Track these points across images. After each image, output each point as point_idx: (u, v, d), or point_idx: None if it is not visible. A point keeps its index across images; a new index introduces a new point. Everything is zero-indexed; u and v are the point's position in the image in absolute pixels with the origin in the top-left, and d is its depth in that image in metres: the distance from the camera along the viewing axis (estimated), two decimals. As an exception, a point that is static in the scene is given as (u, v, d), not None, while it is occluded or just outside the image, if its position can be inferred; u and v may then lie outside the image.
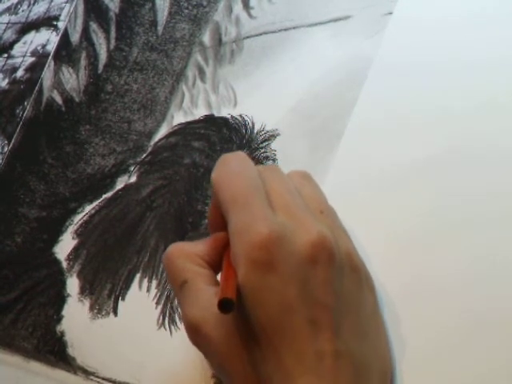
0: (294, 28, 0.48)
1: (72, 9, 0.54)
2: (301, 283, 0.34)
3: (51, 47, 0.54)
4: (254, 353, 0.35)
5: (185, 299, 0.37)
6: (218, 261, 0.38)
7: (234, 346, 0.36)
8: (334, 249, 0.35)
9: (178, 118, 0.49)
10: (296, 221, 0.36)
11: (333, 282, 0.35)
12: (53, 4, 0.55)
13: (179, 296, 0.38)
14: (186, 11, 0.51)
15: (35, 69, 0.53)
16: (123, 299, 0.46)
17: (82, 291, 0.47)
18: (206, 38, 0.50)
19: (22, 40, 0.55)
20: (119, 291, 0.46)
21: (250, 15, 0.49)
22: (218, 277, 0.38)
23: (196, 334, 0.36)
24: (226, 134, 0.47)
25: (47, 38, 0.54)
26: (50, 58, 0.53)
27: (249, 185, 0.37)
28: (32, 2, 0.56)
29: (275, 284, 0.34)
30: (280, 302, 0.34)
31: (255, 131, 0.47)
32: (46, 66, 0.53)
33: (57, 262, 0.48)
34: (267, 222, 0.35)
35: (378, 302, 0.38)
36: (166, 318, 0.44)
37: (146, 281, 0.46)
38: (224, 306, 0.34)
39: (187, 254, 0.38)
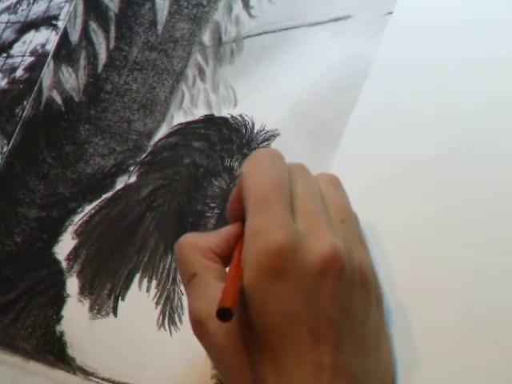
0: (294, 28, 0.48)
1: (72, 8, 0.54)
2: (308, 295, 0.34)
3: (51, 47, 0.53)
4: (253, 353, 0.35)
5: (192, 292, 0.37)
6: (230, 254, 0.38)
7: (234, 344, 0.36)
8: (345, 263, 0.35)
9: (178, 117, 0.49)
10: (312, 230, 0.36)
11: (340, 296, 0.35)
12: (52, 3, 0.55)
13: (187, 288, 0.38)
14: (186, 11, 0.51)
15: (34, 68, 0.53)
16: (123, 299, 0.45)
17: (82, 291, 0.47)
18: (206, 37, 0.50)
19: (22, 39, 0.55)
20: (119, 291, 0.46)
21: (250, 15, 0.49)
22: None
23: (199, 328, 0.37)
24: (226, 134, 0.47)
25: (47, 38, 0.54)
26: (50, 57, 0.53)
27: (274, 186, 0.36)
28: (31, 1, 0.55)
29: (283, 292, 0.34)
30: (285, 311, 0.34)
31: (255, 131, 0.46)
32: (46, 65, 0.53)
33: (57, 261, 0.48)
34: (283, 230, 0.35)
35: (384, 318, 0.38)
36: (166, 319, 0.44)
37: (145, 281, 0.46)
38: (223, 314, 0.33)
39: (198, 247, 0.38)
